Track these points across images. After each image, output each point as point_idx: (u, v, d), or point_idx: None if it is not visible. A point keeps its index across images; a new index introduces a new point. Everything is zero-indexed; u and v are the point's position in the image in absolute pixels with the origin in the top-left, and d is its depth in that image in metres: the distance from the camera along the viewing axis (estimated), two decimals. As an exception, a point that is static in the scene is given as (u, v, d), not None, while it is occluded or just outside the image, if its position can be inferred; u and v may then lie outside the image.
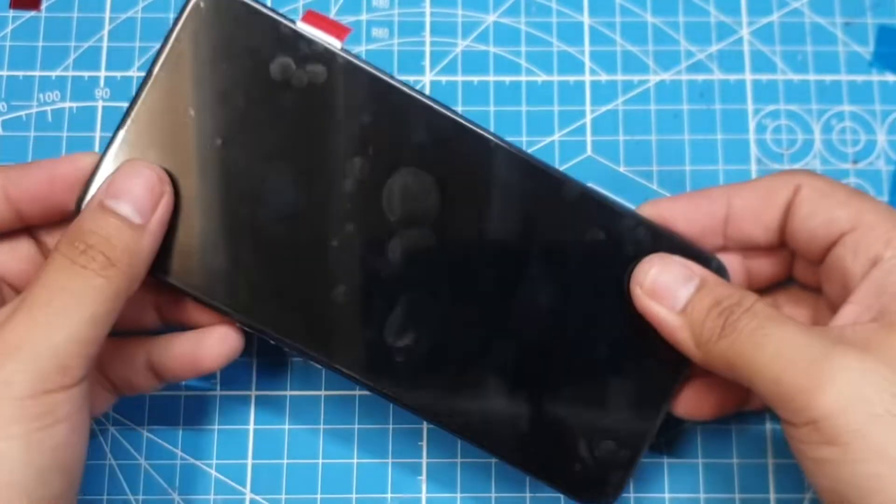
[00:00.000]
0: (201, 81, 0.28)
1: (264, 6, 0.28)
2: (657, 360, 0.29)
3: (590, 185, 0.29)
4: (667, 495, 0.32)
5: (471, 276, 0.29)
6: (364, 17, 0.36)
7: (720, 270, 0.29)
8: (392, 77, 0.28)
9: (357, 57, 0.28)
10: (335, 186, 0.28)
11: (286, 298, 0.28)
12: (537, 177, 0.29)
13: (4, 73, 0.35)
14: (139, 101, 0.28)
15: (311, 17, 0.29)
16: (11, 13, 0.36)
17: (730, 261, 0.30)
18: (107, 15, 0.36)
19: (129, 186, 0.26)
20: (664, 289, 0.28)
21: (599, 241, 0.29)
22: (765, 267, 0.31)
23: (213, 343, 0.29)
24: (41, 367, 0.24)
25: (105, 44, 0.36)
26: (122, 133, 0.28)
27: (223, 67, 0.28)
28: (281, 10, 0.28)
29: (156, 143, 0.28)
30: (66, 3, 0.36)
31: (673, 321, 0.27)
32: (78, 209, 0.27)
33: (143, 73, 0.28)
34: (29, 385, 0.24)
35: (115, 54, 0.35)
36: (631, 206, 0.30)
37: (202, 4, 0.28)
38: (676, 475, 0.32)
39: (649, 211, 0.29)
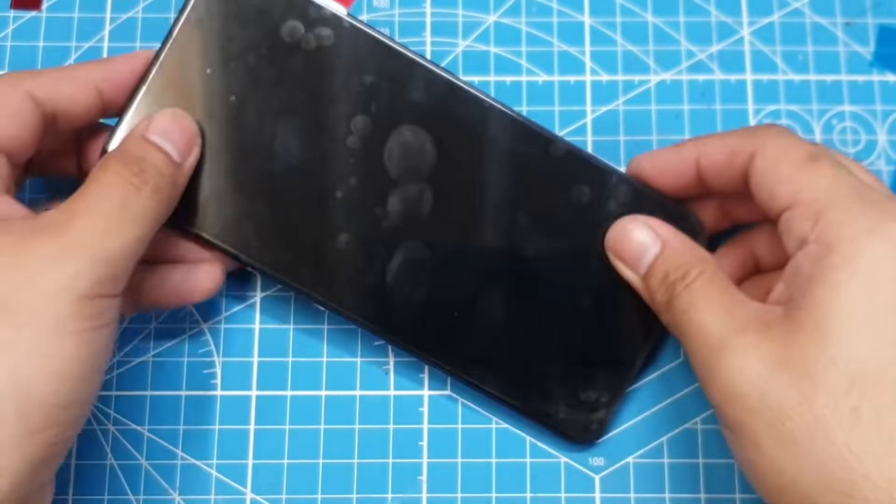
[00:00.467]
0: (217, 42, 0.30)
1: None
2: (636, 309, 0.30)
3: (578, 145, 0.31)
4: (667, 495, 0.32)
5: (464, 228, 0.31)
6: (365, 17, 0.36)
7: (696, 226, 0.30)
8: (394, 41, 0.30)
9: (361, 22, 0.30)
10: (340, 142, 0.30)
11: (293, 244, 0.30)
12: (527, 135, 0.31)
13: (5, 73, 0.35)
14: (160, 59, 0.29)
15: None
16: (12, 13, 0.36)
17: (706, 209, 0.31)
18: (107, 15, 0.36)
19: (171, 128, 0.28)
20: (630, 253, 0.30)
21: (584, 196, 0.31)
22: (744, 213, 0.31)
23: (201, 276, 0.30)
24: (100, 272, 0.25)
25: (106, 44, 0.36)
26: (144, 87, 0.29)
27: (238, 30, 0.30)
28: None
29: (175, 98, 0.29)
30: (67, 4, 0.36)
31: (638, 284, 0.29)
32: (104, 152, 0.29)
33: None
34: (90, 286, 0.25)
35: (116, 55, 0.35)
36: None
37: None
38: (676, 475, 0.32)
39: (633, 167, 0.31)
